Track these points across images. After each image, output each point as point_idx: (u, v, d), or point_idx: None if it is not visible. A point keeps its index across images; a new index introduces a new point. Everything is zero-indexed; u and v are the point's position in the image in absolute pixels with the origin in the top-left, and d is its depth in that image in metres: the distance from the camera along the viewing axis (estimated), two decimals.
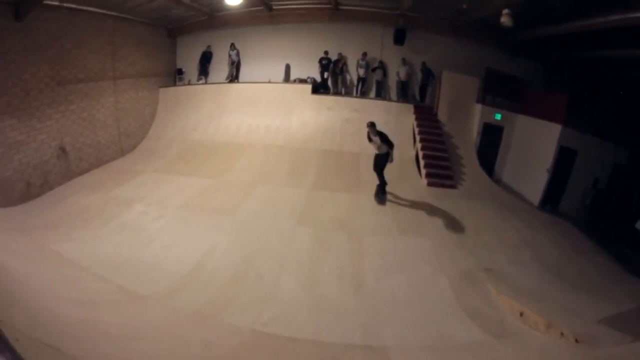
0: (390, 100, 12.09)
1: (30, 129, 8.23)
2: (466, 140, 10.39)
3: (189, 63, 13.74)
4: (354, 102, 11.55)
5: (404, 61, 11.83)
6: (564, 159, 9.35)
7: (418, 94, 11.93)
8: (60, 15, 9.03)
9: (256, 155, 10.19)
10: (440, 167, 9.21)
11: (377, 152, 7.66)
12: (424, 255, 5.55)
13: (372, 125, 7.43)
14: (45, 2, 8.27)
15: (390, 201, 7.68)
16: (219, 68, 13.29)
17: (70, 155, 9.26)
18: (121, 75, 11.24)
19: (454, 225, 6.66)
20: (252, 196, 7.72)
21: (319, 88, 12.27)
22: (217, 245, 5.79)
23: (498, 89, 10.85)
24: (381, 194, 7.81)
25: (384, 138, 7.40)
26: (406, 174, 9.18)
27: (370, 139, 7.61)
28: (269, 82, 12.54)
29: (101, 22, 10.40)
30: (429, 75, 11.64)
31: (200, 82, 13.32)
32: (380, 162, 7.63)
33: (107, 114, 10.64)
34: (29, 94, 8.27)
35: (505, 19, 7.77)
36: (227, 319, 4.20)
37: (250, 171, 9.22)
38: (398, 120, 10.74)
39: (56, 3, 8.79)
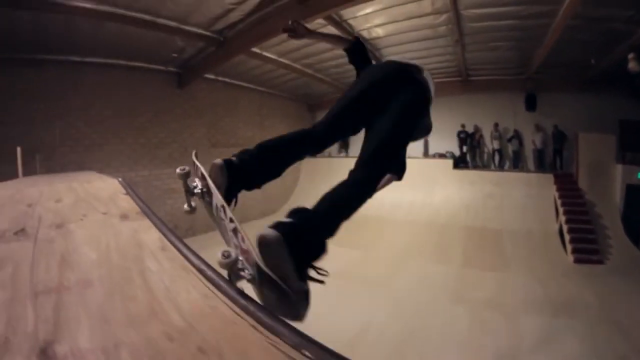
0: (528, 171, 11.30)
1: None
2: (609, 207, 9.40)
3: None
4: (493, 175, 11.16)
5: (538, 127, 10.96)
6: None
7: (553, 160, 11.02)
8: (216, 86, 10.16)
9: (401, 229, 10.08)
10: (585, 240, 8.49)
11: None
12: (577, 337, 5.25)
13: None
14: (204, 75, 9.42)
15: (538, 280, 7.24)
16: (358, 142, 12.99)
17: None
18: None
19: (605, 305, 6.22)
20: (402, 270, 7.66)
21: (458, 162, 11.96)
22: (375, 318, 5.66)
23: (637, 143, 9.64)
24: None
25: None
26: (551, 250, 8.71)
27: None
28: (409, 157, 11.70)
29: (251, 95, 11.41)
30: (562, 139, 10.67)
31: (342, 155, 13.37)
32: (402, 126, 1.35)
33: None
34: (186, 150, 8.85)
35: (632, 64, 7.57)
36: None
37: (396, 246, 9.12)
38: (539, 193, 10.17)
39: (212, 77, 9.94)
